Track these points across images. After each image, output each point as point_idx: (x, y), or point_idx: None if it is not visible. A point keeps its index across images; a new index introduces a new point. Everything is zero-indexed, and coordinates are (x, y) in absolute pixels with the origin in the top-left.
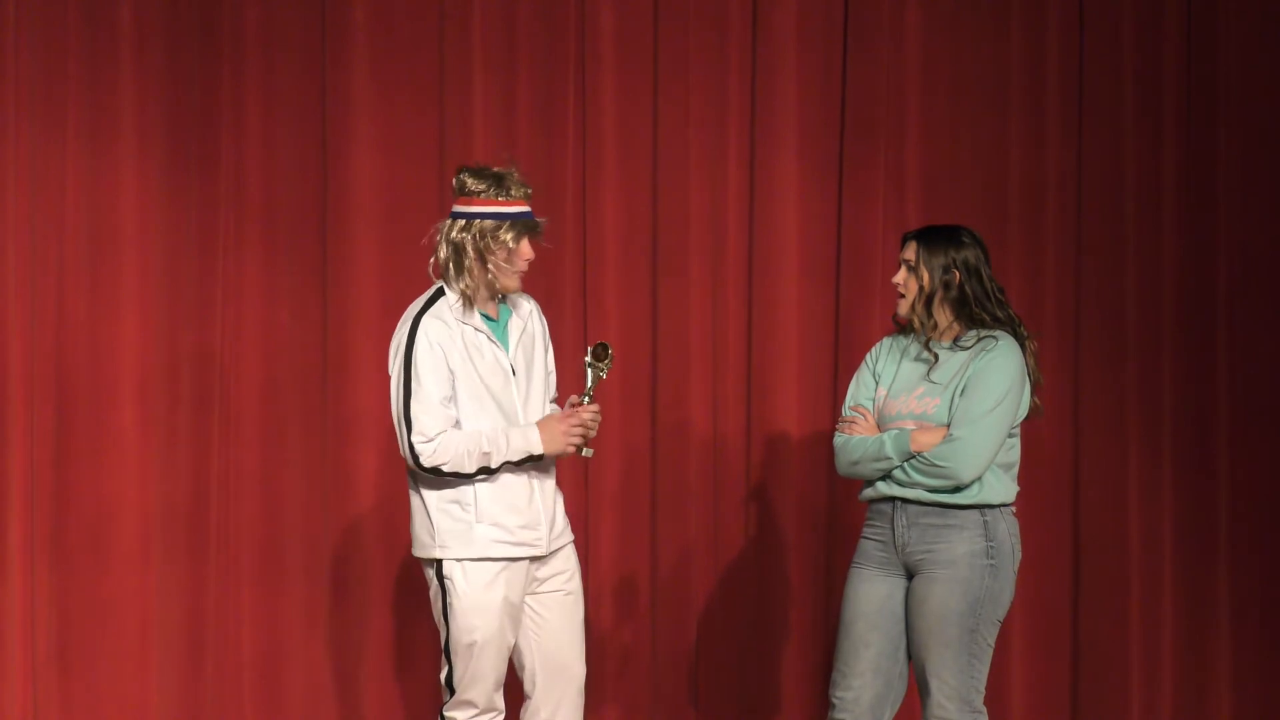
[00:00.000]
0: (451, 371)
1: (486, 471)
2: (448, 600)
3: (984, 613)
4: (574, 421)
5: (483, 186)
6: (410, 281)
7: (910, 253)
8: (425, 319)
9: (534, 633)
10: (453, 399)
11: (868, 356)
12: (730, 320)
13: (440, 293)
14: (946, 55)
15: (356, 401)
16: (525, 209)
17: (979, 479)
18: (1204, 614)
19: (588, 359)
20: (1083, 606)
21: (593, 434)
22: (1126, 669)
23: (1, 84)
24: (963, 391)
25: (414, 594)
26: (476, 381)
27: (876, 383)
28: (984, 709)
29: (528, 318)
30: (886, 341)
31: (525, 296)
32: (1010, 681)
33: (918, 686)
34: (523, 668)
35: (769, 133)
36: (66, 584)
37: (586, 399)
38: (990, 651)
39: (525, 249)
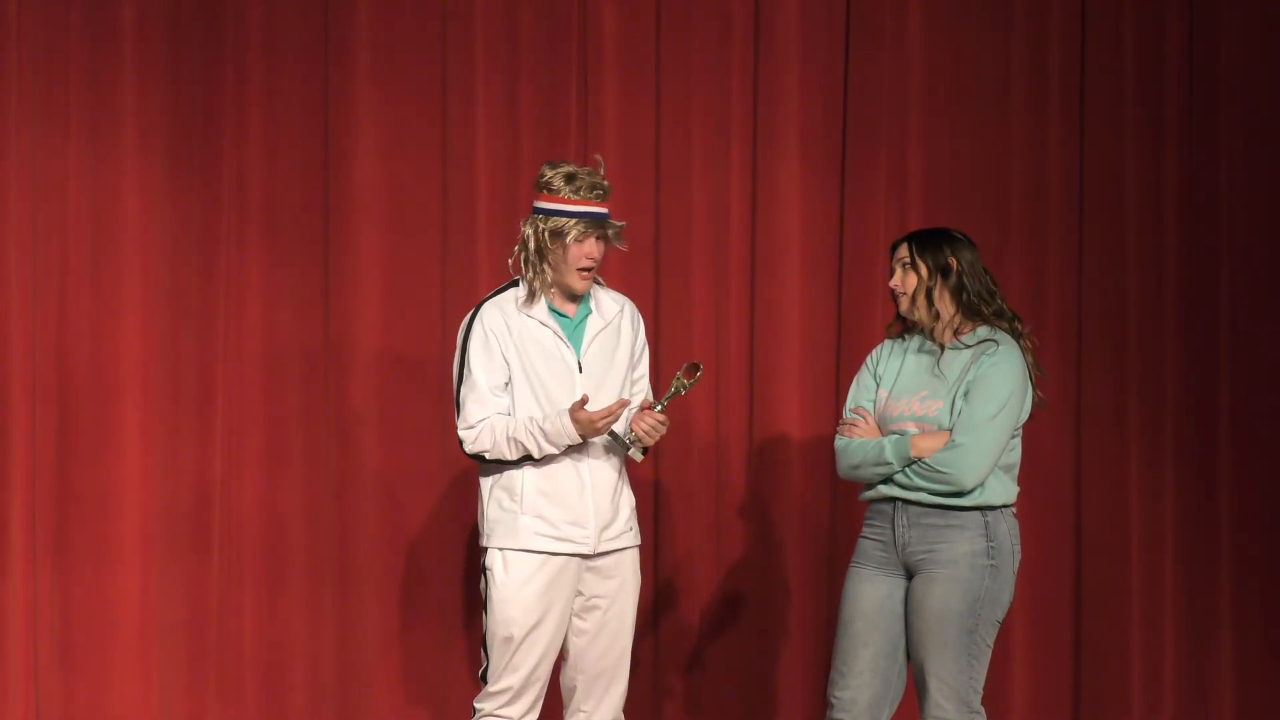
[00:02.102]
0: (506, 360)
1: (531, 459)
2: (488, 591)
3: (983, 613)
4: (609, 416)
5: (554, 183)
6: (413, 281)
7: (903, 252)
8: (486, 306)
9: (575, 640)
10: (507, 386)
11: (868, 358)
12: (732, 321)
13: (514, 283)
14: (948, 57)
15: (358, 401)
16: (593, 209)
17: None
18: (1205, 614)
19: (680, 374)
20: (1084, 606)
21: (651, 440)
22: (1128, 669)
23: (4, 84)
24: (965, 395)
25: (417, 591)
26: (532, 374)
27: (877, 384)
28: (982, 709)
29: (613, 318)
30: (888, 343)
31: (617, 299)
32: (1011, 682)
33: (916, 687)
34: (564, 674)
35: (771, 134)
36: (69, 583)
37: (658, 408)
38: (989, 652)
39: (588, 248)
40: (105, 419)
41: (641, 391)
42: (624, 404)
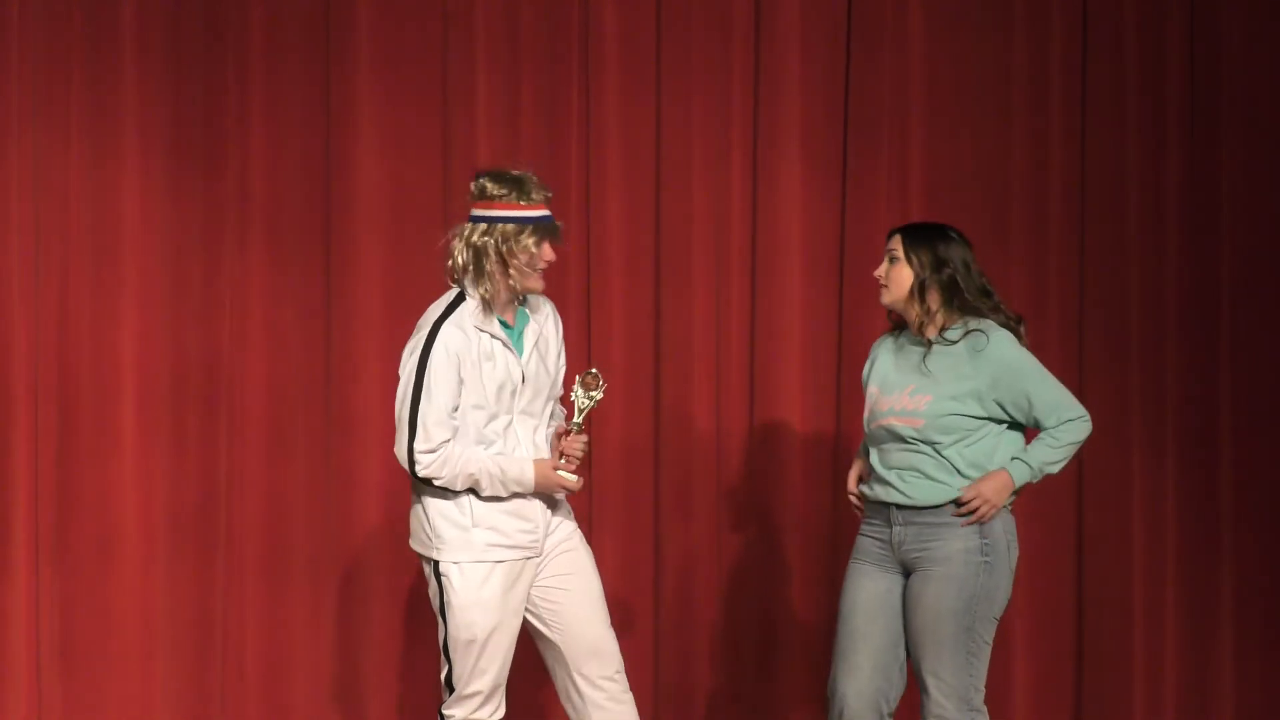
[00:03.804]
0: (462, 380)
1: (472, 494)
2: (445, 598)
3: (979, 610)
4: (564, 468)
5: (503, 191)
6: (414, 282)
7: (895, 244)
8: (445, 326)
9: (554, 620)
10: (458, 408)
11: (864, 372)
12: (733, 320)
13: (461, 298)
14: (949, 56)
15: (361, 402)
16: (545, 213)
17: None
18: (1207, 612)
19: (576, 388)
20: (1086, 605)
21: (579, 461)
22: (1130, 667)
23: (5, 85)
24: (1002, 393)
25: (418, 594)
26: (481, 390)
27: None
28: (984, 708)
29: (544, 322)
30: (874, 349)
31: (543, 299)
32: (1013, 680)
33: (917, 686)
34: (557, 659)
35: (772, 133)
36: (70, 585)
37: (575, 428)
38: (988, 650)
39: (546, 252)
40: (107, 420)
41: (559, 386)
42: (581, 442)
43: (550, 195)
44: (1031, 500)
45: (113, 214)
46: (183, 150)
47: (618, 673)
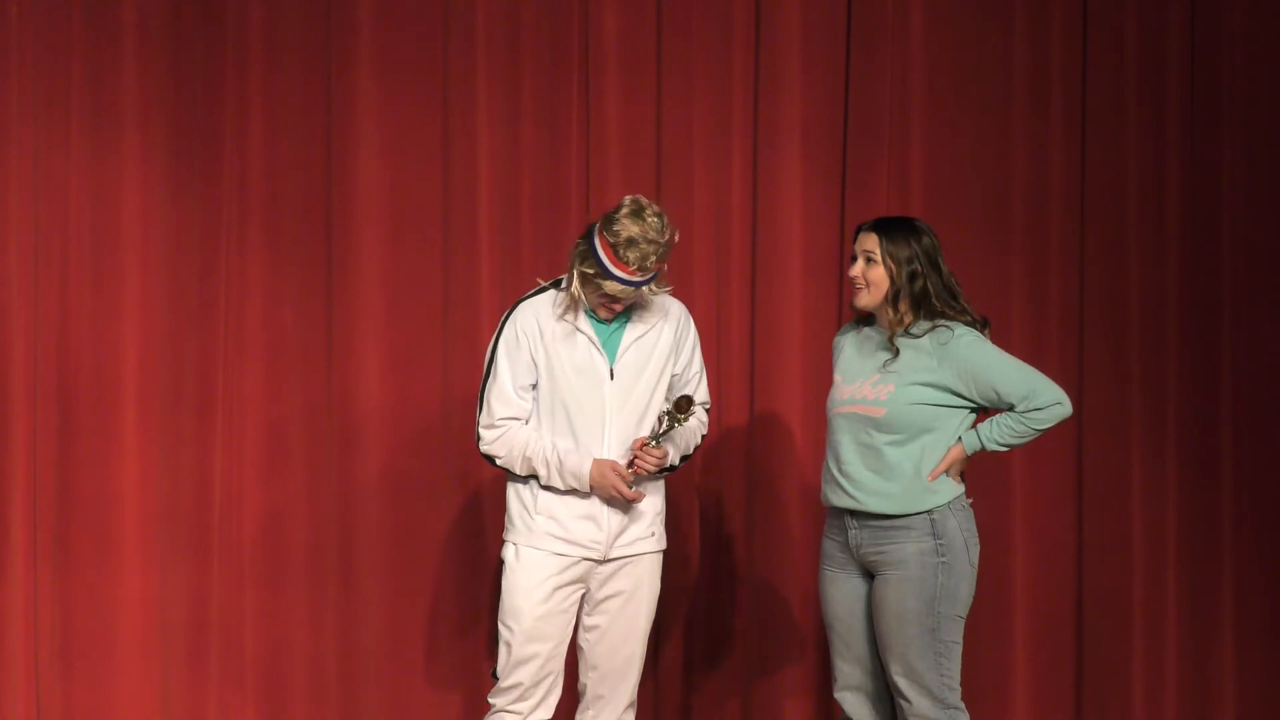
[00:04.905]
0: (535, 362)
1: (534, 479)
2: (502, 584)
3: (942, 610)
4: (625, 475)
5: (617, 239)
6: (414, 282)
7: (871, 244)
8: (521, 307)
9: (585, 636)
10: (534, 388)
11: (834, 360)
12: (733, 321)
13: (555, 284)
14: (950, 55)
15: (360, 401)
16: (633, 279)
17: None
18: (1208, 614)
19: (667, 407)
20: (1086, 606)
21: (650, 471)
22: (1130, 669)
23: (5, 84)
24: (975, 385)
25: (418, 593)
26: (562, 375)
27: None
28: (962, 705)
29: (655, 324)
30: (837, 340)
31: (664, 305)
32: (1013, 680)
33: (892, 691)
34: (580, 673)
35: (772, 133)
36: (69, 583)
37: (654, 442)
38: (958, 648)
39: (613, 302)
40: (106, 419)
41: (703, 390)
42: (657, 455)
43: (656, 269)
44: (1031, 501)
45: (113, 214)
46: (183, 150)
47: (626, 710)
